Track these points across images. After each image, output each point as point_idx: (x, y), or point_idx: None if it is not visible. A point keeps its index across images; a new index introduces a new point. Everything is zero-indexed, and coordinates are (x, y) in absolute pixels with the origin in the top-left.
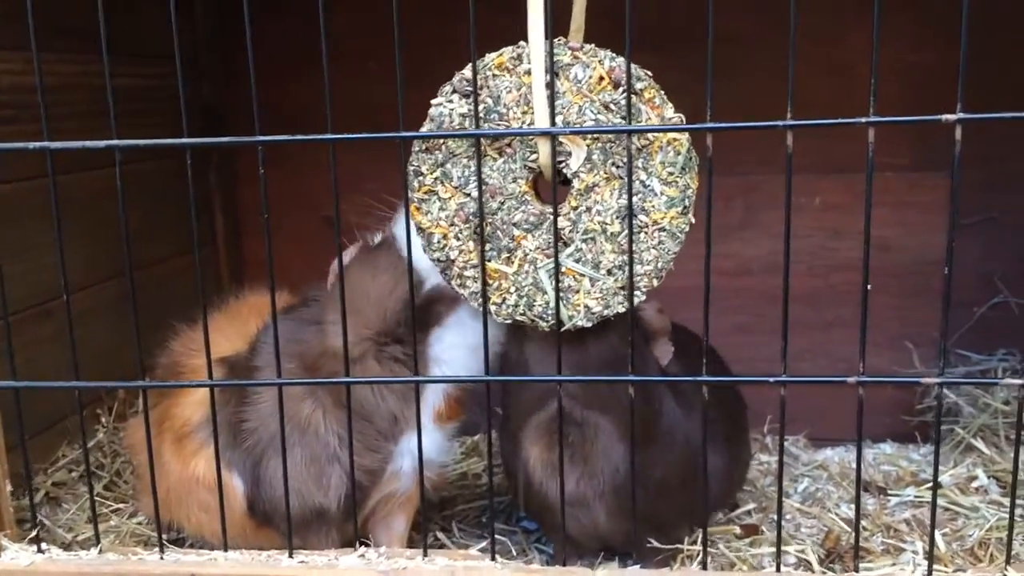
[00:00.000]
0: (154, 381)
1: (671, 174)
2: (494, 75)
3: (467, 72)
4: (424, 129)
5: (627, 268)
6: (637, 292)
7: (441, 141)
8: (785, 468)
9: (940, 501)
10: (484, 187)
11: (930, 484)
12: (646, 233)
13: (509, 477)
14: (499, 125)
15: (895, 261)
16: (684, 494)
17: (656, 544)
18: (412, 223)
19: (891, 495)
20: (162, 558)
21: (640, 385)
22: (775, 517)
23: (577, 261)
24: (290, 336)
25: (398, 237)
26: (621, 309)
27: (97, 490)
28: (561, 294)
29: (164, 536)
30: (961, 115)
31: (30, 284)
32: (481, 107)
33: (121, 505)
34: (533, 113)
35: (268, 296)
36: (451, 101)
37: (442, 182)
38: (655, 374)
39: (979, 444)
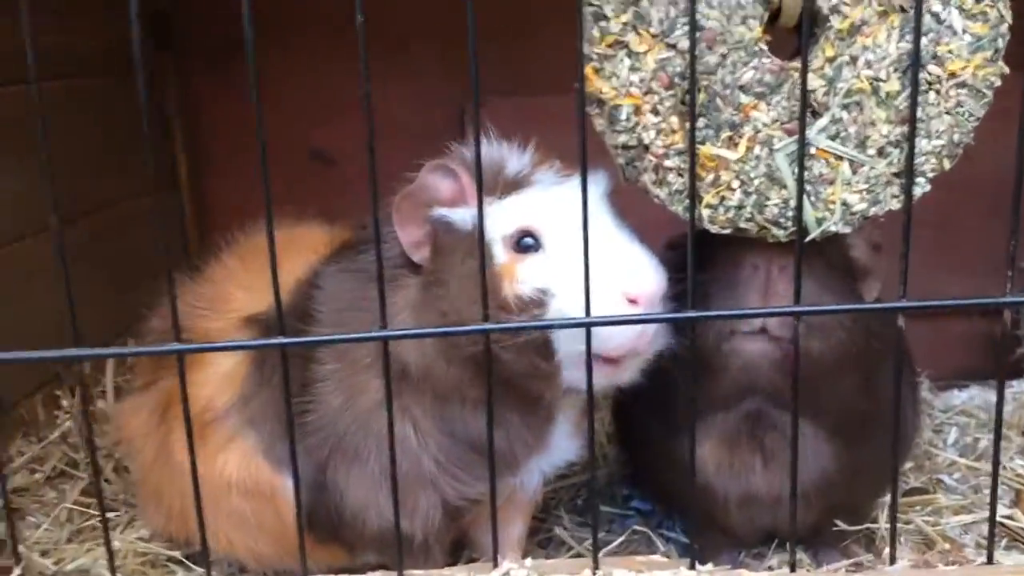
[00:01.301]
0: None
1: (979, 2)
2: None
3: None
4: None
5: (906, 146)
6: (921, 179)
7: None
8: (921, 416)
9: None
10: (699, 33)
11: None
12: (938, 92)
13: (631, 454)
14: None
15: (971, 174)
16: (883, 472)
17: (844, 527)
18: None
19: None
20: None
21: (868, 376)
22: (939, 476)
23: (834, 138)
24: (358, 297)
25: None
26: (896, 205)
27: (74, 496)
28: (808, 186)
29: (178, 554)
30: None
31: None
32: None
33: (110, 515)
34: None
35: (296, 229)
36: None
37: (635, 29)
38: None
39: None
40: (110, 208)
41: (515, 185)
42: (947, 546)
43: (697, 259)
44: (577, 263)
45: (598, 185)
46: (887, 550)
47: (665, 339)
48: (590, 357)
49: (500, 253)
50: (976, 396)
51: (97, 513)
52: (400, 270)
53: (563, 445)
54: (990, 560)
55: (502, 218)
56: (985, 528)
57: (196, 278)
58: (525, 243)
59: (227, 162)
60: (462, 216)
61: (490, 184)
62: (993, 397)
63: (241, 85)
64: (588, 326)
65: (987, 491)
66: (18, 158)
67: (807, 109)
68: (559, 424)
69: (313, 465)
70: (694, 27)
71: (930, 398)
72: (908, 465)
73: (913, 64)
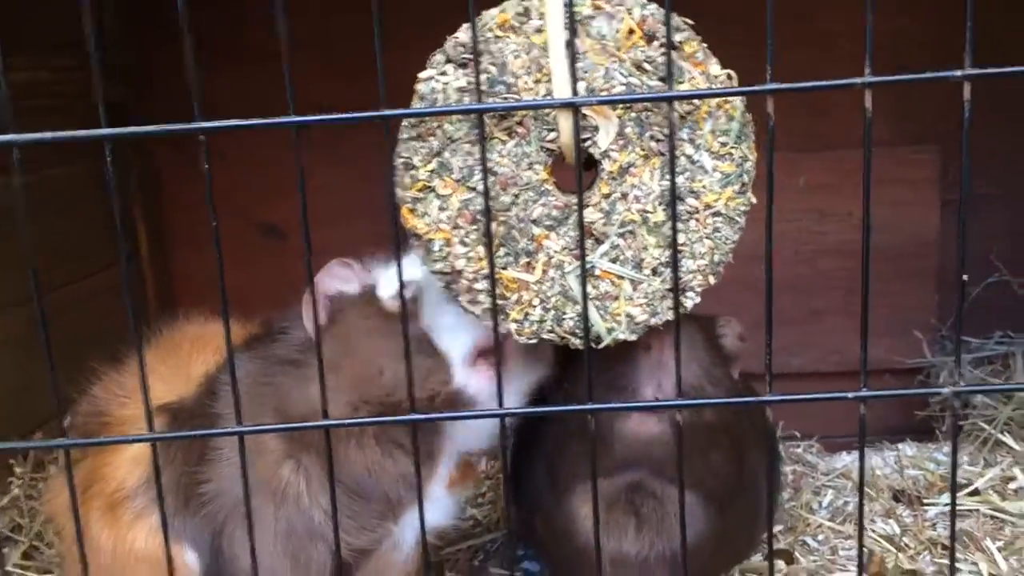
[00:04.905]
0: (76, 438)
1: (724, 145)
2: (496, 37)
3: (462, 35)
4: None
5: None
6: (690, 293)
7: (435, 125)
8: (804, 478)
9: (982, 508)
10: (493, 177)
11: (969, 490)
12: (697, 220)
13: (524, 514)
14: (507, 99)
15: (886, 243)
16: (744, 540)
17: None
18: (408, 241)
19: (927, 504)
20: None
21: (734, 444)
22: (805, 539)
23: (614, 261)
24: (262, 379)
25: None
26: (671, 315)
27: (15, 559)
28: (597, 302)
29: None
30: (970, 71)
31: None
32: (483, 78)
33: None
34: (548, 81)
35: (211, 326)
36: (444, 74)
37: (440, 175)
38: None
39: (1008, 440)
40: (68, 287)
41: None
42: None
43: None
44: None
45: None
46: None
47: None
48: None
49: (388, 302)
50: (859, 459)
51: (33, 575)
52: (306, 355)
53: (440, 500)
54: None
55: (388, 279)
56: None
57: (120, 368)
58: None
59: (188, 236)
60: (354, 288)
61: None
62: (876, 460)
63: (195, 156)
64: (414, 422)
65: (843, 553)
66: None
67: (590, 237)
68: (438, 474)
69: (210, 532)
70: (486, 172)
71: (815, 461)
72: (778, 528)
73: (672, 200)
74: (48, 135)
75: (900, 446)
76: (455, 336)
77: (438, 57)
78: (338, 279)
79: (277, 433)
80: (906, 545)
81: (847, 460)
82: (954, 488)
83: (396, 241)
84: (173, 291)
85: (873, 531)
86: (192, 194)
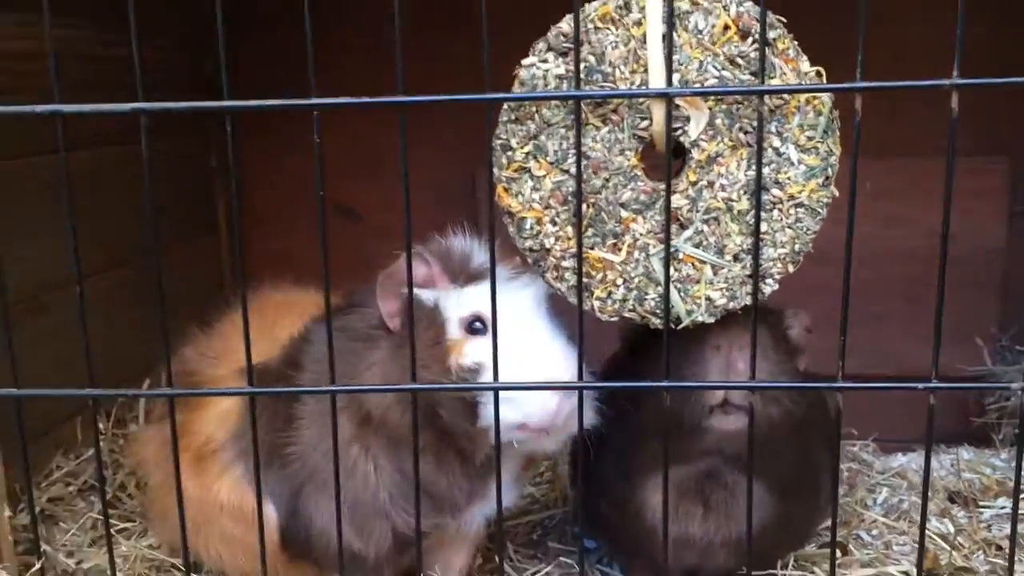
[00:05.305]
0: (182, 389)
1: (810, 139)
2: (596, 28)
3: (565, 25)
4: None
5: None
6: (769, 280)
7: (533, 110)
8: (859, 476)
9: None
10: (586, 161)
11: None
12: (780, 210)
13: (590, 495)
14: (604, 87)
15: (950, 251)
16: (802, 529)
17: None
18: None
19: (983, 507)
20: None
21: (800, 437)
22: (859, 533)
23: (697, 246)
24: (338, 353)
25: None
26: (748, 301)
27: (99, 507)
28: (678, 285)
29: (178, 561)
30: None
31: (20, 275)
32: (582, 66)
33: (128, 525)
34: (644, 72)
35: (292, 294)
36: (545, 61)
37: (535, 157)
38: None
39: None
40: (146, 255)
41: (476, 277)
42: None
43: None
44: (509, 348)
45: (539, 287)
46: None
47: (592, 417)
48: (499, 420)
49: (454, 330)
50: (914, 460)
51: (116, 522)
52: (377, 331)
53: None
54: None
55: (461, 302)
56: None
57: (207, 331)
58: (475, 326)
59: (264, 211)
60: (428, 296)
61: (456, 272)
62: (933, 462)
63: (280, 141)
64: (496, 389)
65: (897, 548)
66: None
67: (675, 222)
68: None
69: (290, 491)
70: (580, 156)
71: (871, 460)
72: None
73: (756, 189)
74: (173, 105)
75: (957, 450)
76: (506, 408)
77: (540, 45)
78: (414, 273)
79: (348, 415)
80: (960, 544)
81: (903, 460)
82: (1018, 485)
83: (492, 271)
84: (248, 264)
85: (928, 529)
86: (269, 170)
